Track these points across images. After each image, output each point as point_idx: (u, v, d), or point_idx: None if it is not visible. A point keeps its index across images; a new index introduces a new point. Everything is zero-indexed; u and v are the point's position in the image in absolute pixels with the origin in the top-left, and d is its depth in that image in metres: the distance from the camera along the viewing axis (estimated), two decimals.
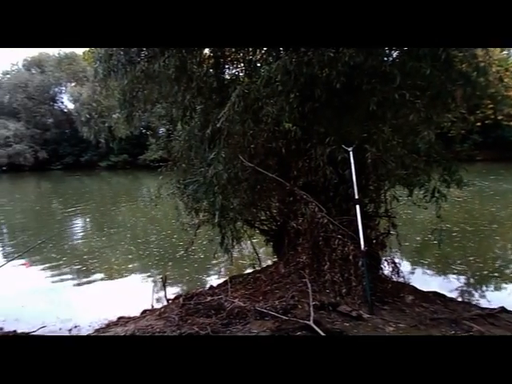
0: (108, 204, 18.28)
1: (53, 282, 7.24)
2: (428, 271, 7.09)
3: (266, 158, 4.84)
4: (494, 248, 8.80)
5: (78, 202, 18.59)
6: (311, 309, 3.66)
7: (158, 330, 3.73)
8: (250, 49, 4.99)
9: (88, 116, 39.68)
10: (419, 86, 4.26)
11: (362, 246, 4.05)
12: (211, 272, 7.49)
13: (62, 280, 7.34)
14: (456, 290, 6.06)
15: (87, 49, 38.69)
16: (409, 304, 4.30)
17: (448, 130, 5.50)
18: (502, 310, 4.16)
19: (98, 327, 4.76)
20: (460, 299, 5.40)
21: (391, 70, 4.14)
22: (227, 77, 5.44)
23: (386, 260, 4.79)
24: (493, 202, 14.01)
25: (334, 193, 4.65)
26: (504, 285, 6.46)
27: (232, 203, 4.55)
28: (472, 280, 6.61)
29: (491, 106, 23.99)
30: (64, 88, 46.59)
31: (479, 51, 4.58)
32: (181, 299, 4.48)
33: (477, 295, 5.95)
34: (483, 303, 5.24)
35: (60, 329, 4.91)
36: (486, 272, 6.88)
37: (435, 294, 5.00)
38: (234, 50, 5.19)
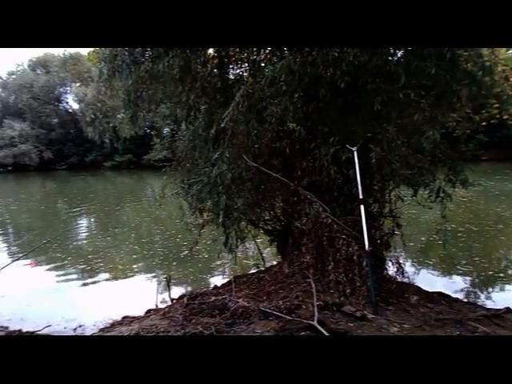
0: (113, 204, 18.35)
1: (58, 281, 7.27)
2: (433, 271, 7.06)
3: (270, 158, 4.84)
4: (500, 248, 8.75)
5: (83, 202, 18.67)
6: (315, 309, 3.65)
7: (162, 329, 3.74)
8: (254, 49, 4.99)
9: (93, 116, 39.84)
10: (424, 86, 4.24)
11: (367, 246, 4.04)
12: (215, 272, 7.49)
13: (66, 280, 7.37)
14: (461, 290, 6.03)
15: (92, 49, 38.90)
16: (413, 304, 4.28)
17: (453, 129, 5.47)
18: (508, 310, 4.13)
19: (102, 326, 4.77)
20: (465, 300, 5.37)
21: (396, 69, 4.12)
22: (231, 77, 5.44)
23: (390, 260, 4.78)
24: (498, 202, 13.93)
25: (338, 193, 4.64)
26: (509, 285, 6.43)
27: (236, 203, 4.55)
28: (477, 280, 6.58)
29: (497, 105, 23.81)
30: (69, 88, 46.80)
31: (485, 50, 4.56)
32: (185, 299, 4.49)
33: (482, 296, 5.92)
34: (488, 304, 5.21)
35: (65, 328, 4.92)
36: (491, 272, 6.84)
37: (440, 294, 4.97)
38: (238, 49, 5.19)
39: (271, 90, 4.19)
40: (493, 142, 24.92)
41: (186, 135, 5.60)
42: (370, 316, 3.79)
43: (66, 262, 8.49)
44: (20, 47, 2.37)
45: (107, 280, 7.39)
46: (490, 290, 6.24)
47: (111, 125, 34.37)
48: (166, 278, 5.59)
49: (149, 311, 4.97)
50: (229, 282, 5.19)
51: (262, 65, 5.08)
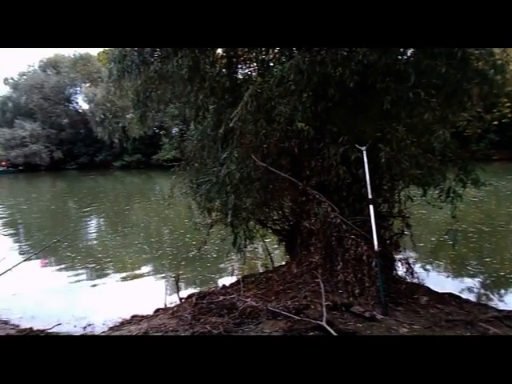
0: (122, 203, 18.46)
1: (68, 280, 7.33)
2: (443, 272, 7.00)
3: (279, 158, 4.83)
4: (511, 249, 8.65)
5: (93, 202, 18.83)
6: (324, 309, 3.64)
7: (170, 328, 3.75)
8: (263, 48, 4.99)
9: (102, 116, 40.16)
10: (434, 85, 4.20)
11: (376, 247, 4.01)
12: (224, 271, 7.50)
13: (76, 279, 7.43)
14: (472, 291, 5.97)
15: (102, 50, 39.30)
16: (423, 305, 4.24)
17: (464, 128, 5.41)
18: None
19: (112, 325, 4.81)
20: (476, 301, 5.31)
21: (406, 68, 4.09)
22: (240, 76, 5.44)
23: (399, 260, 4.74)
24: (510, 201, 13.77)
25: (347, 192, 4.62)
26: None
27: (245, 203, 4.55)
28: (488, 281, 6.50)
29: (508, 104, 23.56)
30: (79, 88, 47.29)
31: (496, 49, 4.50)
32: (193, 298, 4.50)
33: (493, 297, 5.84)
34: (500, 305, 5.15)
35: (75, 326, 4.96)
36: (502, 273, 6.75)
37: (450, 295, 4.92)
38: (246, 49, 5.19)
39: (280, 89, 4.19)
40: (504, 141, 24.57)
41: (194, 135, 5.62)
42: (379, 317, 3.77)
43: (75, 261, 8.56)
44: (31, 47, 2.39)
45: (116, 279, 7.44)
46: (502, 291, 6.17)
47: (120, 125, 34.61)
48: (174, 277, 5.61)
49: (157, 310, 5.00)
50: (237, 282, 5.19)
51: (271, 64, 5.07)
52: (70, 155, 44.77)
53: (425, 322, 3.74)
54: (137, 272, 7.83)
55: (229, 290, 4.85)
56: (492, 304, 5.27)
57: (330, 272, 4.41)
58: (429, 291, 4.75)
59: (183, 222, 10.61)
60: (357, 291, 4.13)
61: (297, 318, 3.62)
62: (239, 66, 5.43)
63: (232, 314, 3.87)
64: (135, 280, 7.33)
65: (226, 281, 6.25)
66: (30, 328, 4.73)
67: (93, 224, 14.35)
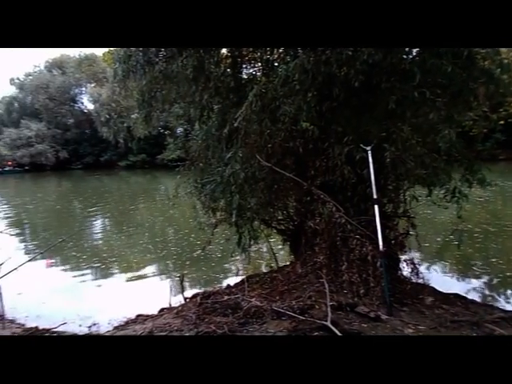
0: (127, 203, 18.53)
1: (73, 280, 7.37)
2: (448, 272, 6.96)
3: (284, 158, 4.83)
4: None
5: (98, 202, 18.91)
6: (329, 309, 3.63)
7: (175, 328, 3.76)
8: (268, 48, 4.98)
9: (107, 116, 40.36)
10: (440, 84, 4.18)
11: (381, 247, 4.00)
12: (228, 271, 7.51)
13: (82, 278, 7.46)
14: (478, 292, 5.93)
15: (107, 50, 39.44)
16: (428, 306, 4.22)
17: (470, 128, 5.38)
18: None
19: (117, 324, 4.82)
20: (482, 301, 5.28)
21: (411, 67, 4.07)
22: (245, 76, 5.44)
23: (405, 261, 4.72)
24: None
25: (352, 192, 4.61)
26: None
27: (249, 202, 4.54)
28: (494, 282, 6.46)
29: None
30: (84, 89, 47.57)
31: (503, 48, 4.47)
32: (198, 298, 4.50)
33: (500, 298, 5.81)
34: (507, 306, 5.11)
35: (80, 326, 4.98)
36: (509, 274, 6.70)
37: (456, 295, 4.89)
38: (251, 49, 5.18)
39: (284, 89, 4.18)
40: (510, 141, 24.35)
41: (199, 135, 5.63)
42: (384, 317, 3.75)
43: (81, 260, 8.61)
44: (37, 47, 2.41)
45: (121, 279, 7.47)
46: (508, 291, 6.13)
47: (125, 125, 34.78)
48: (179, 277, 5.62)
49: (162, 310, 5.01)
50: (242, 282, 5.19)
51: (276, 64, 5.07)
52: (75, 155, 45.03)
53: (430, 323, 3.72)
54: (142, 272, 7.85)
55: (233, 290, 4.85)
56: (498, 305, 5.24)
57: (335, 272, 4.40)
58: (434, 292, 4.72)
59: (188, 222, 10.64)
60: (362, 291, 4.12)
61: (301, 318, 3.61)
62: (244, 66, 5.44)
63: (236, 313, 3.87)
64: (140, 279, 7.35)
65: (231, 281, 6.26)
66: (36, 327, 4.76)
67: (98, 224, 14.41)
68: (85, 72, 45.16)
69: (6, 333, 4.62)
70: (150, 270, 8.07)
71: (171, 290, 6.00)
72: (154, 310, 5.05)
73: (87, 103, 47.27)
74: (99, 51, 45.70)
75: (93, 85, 45.69)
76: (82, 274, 7.68)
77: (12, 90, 49.24)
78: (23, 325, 5.08)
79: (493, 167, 5.66)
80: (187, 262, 8.07)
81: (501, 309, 4.73)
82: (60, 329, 4.69)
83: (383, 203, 4.77)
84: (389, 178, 4.78)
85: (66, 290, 6.71)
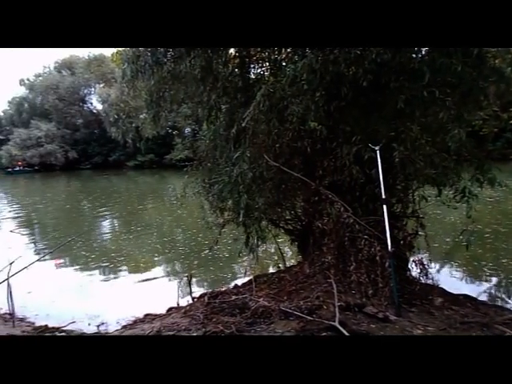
0: (135, 203, 18.63)
1: (82, 279, 7.42)
2: (458, 273, 6.90)
3: (291, 158, 4.82)
4: None
5: (107, 201, 19.04)
6: (336, 309, 3.62)
7: (183, 327, 3.77)
8: (275, 48, 4.98)
9: (116, 116, 40.43)
10: (449, 83, 4.14)
11: (389, 247, 3.97)
12: (236, 271, 7.51)
13: (91, 277, 7.52)
14: (488, 293, 5.87)
15: (115, 50, 39.57)
16: (438, 307, 4.19)
17: (480, 128, 5.34)
18: None
19: (125, 324, 4.85)
20: (492, 303, 5.22)
21: (420, 66, 4.03)
22: (252, 76, 5.45)
23: (413, 261, 4.69)
24: None
25: (360, 192, 4.59)
26: None
27: (257, 202, 4.54)
28: (505, 283, 6.39)
29: None
30: (93, 89, 47.91)
31: None
32: (206, 298, 4.51)
33: (510, 299, 5.74)
34: None
35: (89, 324, 5.02)
36: None
37: (466, 296, 4.85)
38: (259, 49, 5.18)
39: (292, 89, 4.17)
40: None
41: (207, 135, 5.64)
42: (392, 318, 3.73)
43: (89, 260, 8.67)
44: (45, 47, 2.42)
45: (130, 278, 7.50)
46: None
47: (134, 125, 34.82)
48: (187, 276, 5.64)
49: (170, 309, 5.03)
50: (249, 282, 5.19)
51: (283, 64, 5.06)
52: (84, 155, 45.38)
53: (439, 324, 3.69)
54: (150, 271, 7.89)
55: (241, 290, 4.85)
56: (508, 306, 5.18)
57: (343, 272, 4.38)
58: (443, 292, 4.68)
59: (196, 222, 10.65)
60: (370, 292, 4.10)
61: (309, 318, 3.60)
62: (252, 66, 5.44)
63: (244, 313, 3.87)
64: (148, 279, 7.38)
65: (239, 280, 6.27)
66: (46, 325, 4.81)
67: (107, 223, 14.50)
68: (94, 72, 45.49)
69: (17, 331, 4.67)
70: (158, 269, 8.11)
71: (179, 289, 6.02)
72: (162, 310, 5.07)
73: (96, 103, 47.69)
74: (108, 52, 45.93)
75: (102, 85, 46.00)
76: (91, 273, 7.73)
77: (22, 91, 49.92)
78: (33, 323, 5.13)
79: (503, 167, 5.58)
80: (195, 262, 8.09)
81: (511, 310, 4.68)
82: (69, 327, 4.74)
83: (392, 203, 4.74)
84: (397, 177, 4.75)
85: (74, 289, 6.76)
